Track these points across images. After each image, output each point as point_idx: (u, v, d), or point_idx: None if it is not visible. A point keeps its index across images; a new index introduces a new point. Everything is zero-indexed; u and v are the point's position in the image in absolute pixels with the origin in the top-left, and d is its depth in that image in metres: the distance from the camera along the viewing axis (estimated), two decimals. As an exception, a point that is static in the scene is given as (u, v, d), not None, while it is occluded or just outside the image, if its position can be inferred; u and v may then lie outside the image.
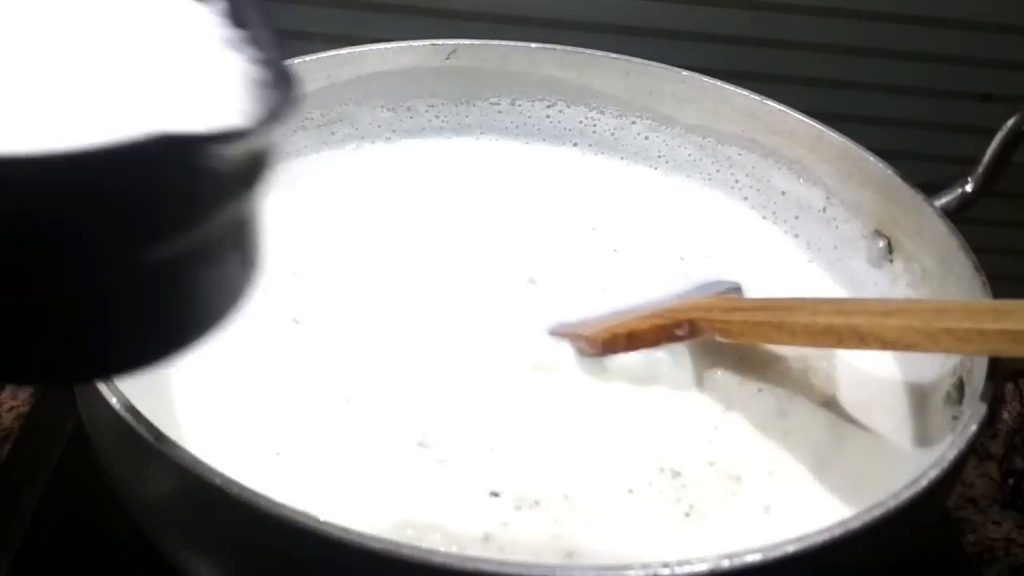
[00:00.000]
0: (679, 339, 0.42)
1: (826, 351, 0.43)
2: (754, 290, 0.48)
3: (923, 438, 0.41)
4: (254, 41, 0.25)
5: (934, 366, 0.43)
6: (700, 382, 0.42)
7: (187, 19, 0.24)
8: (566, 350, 0.42)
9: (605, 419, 0.41)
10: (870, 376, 0.44)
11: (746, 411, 0.41)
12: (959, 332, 0.35)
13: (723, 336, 0.42)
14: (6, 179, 0.18)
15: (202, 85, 0.22)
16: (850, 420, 0.42)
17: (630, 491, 0.38)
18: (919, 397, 0.43)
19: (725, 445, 0.40)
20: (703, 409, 0.42)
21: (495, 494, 0.37)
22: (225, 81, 0.23)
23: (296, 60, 0.52)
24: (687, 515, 0.37)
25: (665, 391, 0.42)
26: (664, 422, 0.41)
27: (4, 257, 0.19)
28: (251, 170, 0.22)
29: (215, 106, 0.21)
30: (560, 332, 0.43)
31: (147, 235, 0.20)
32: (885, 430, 0.42)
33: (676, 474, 0.38)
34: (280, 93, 0.22)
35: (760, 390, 0.42)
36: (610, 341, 0.41)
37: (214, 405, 0.39)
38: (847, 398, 0.43)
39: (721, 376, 0.42)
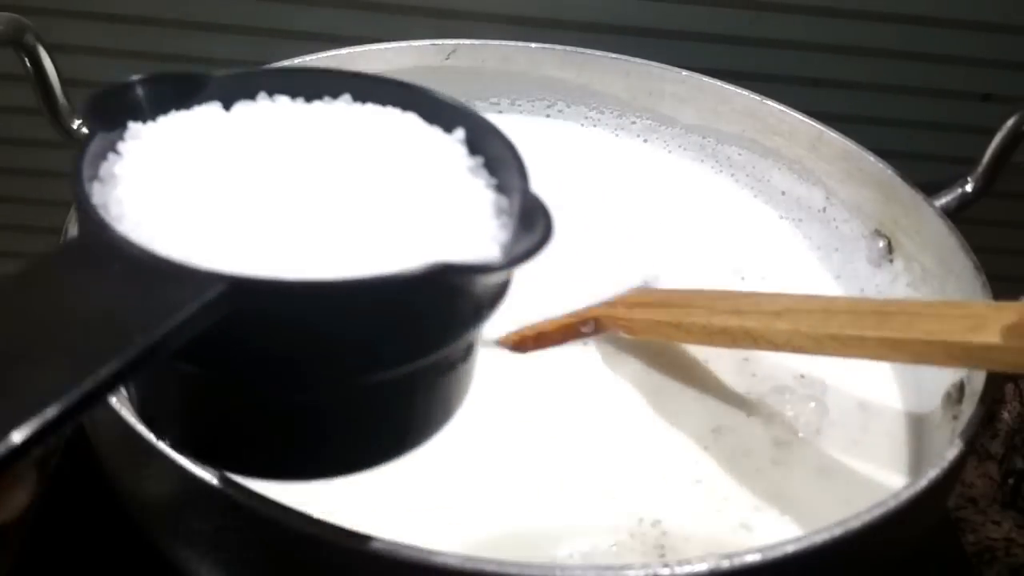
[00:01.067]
0: (585, 335, 0.44)
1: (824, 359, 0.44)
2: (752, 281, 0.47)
3: (923, 438, 0.41)
4: (498, 166, 0.26)
5: (932, 368, 0.43)
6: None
7: (436, 148, 0.26)
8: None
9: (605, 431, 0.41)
10: (869, 375, 0.44)
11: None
12: (843, 338, 0.35)
13: (626, 333, 0.43)
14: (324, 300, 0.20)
15: (458, 214, 0.24)
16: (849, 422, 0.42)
17: (614, 544, 0.36)
18: (918, 397, 0.43)
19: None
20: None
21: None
22: (477, 209, 0.24)
23: (296, 60, 0.52)
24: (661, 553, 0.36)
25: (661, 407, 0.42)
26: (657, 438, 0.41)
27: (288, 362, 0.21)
28: (496, 298, 0.24)
29: (472, 236, 0.23)
30: (500, 339, 0.44)
31: (416, 351, 0.23)
32: (884, 434, 0.42)
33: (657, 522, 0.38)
34: (531, 227, 0.23)
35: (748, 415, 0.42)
36: (519, 342, 0.43)
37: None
38: (846, 402, 0.43)
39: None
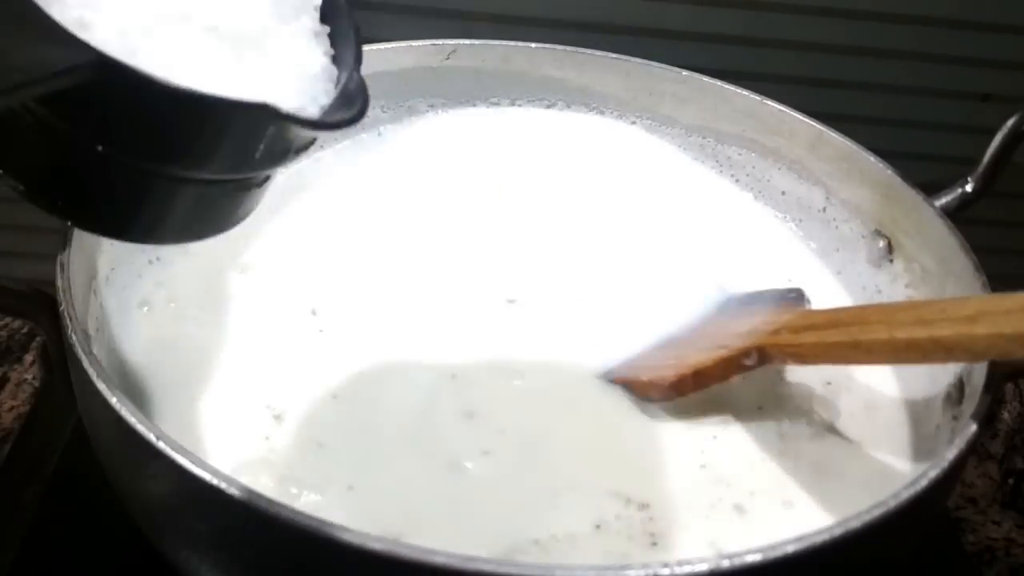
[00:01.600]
0: (748, 369, 0.39)
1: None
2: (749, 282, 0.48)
3: (923, 439, 0.41)
4: (338, 38, 0.30)
5: (933, 366, 0.43)
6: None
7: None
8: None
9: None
10: (870, 374, 0.44)
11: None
12: None
13: (796, 361, 0.39)
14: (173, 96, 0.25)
15: (295, 68, 0.28)
16: (848, 422, 0.42)
17: (596, 526, 0.37)
18: (919, 397, 0.43)
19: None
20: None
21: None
22: (311, 69, 0.29)
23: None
24: (655, 544, 0.36)
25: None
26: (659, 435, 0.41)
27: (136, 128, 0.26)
28: (299, 150, 0.29)
29: (299, 91, 0.28)
30: (618, 378, 0.41)
31: (223, 164, 0.28)
32: (884, 434, 0.42)
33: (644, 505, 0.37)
34: (351, 104, 0.28)
35: (760, 407, 0.42)
36: (677, 384, 0.39)
37: (215, 405, 0.39)
38: (846, 401, 0.43)
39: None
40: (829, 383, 0.43)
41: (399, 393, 0.41)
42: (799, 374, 0.43)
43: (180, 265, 0.45)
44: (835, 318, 0.40)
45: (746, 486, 0.39)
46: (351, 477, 0.37)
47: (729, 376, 0.39)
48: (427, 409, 0.40)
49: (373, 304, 0.45)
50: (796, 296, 0.44)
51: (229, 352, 0.42)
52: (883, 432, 0.42)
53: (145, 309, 0.43)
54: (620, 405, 0.41)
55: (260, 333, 0.43)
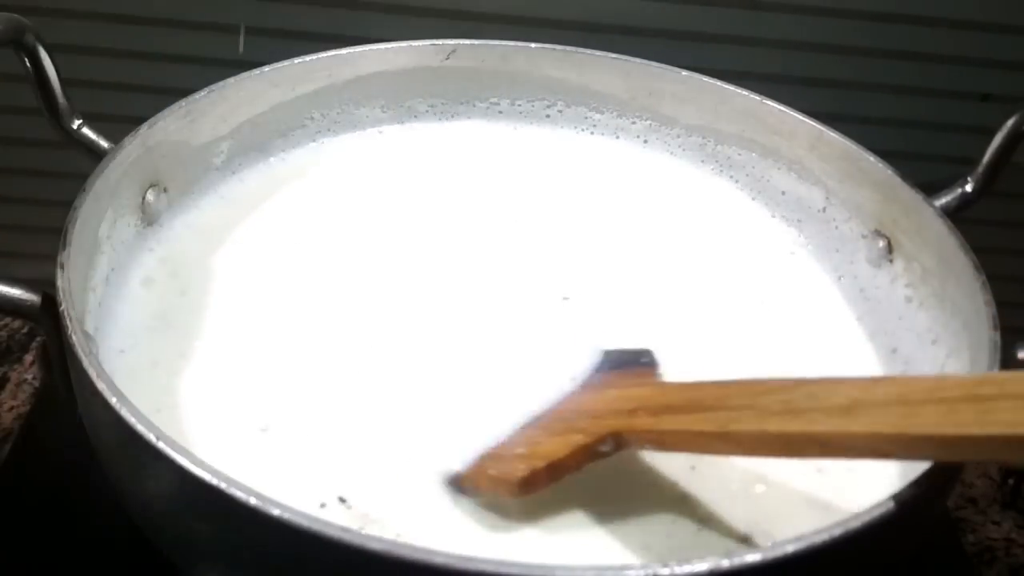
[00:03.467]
0: (605, 455, 0.35)
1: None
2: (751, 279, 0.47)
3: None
4: None
5: (933, 366, 0.43)
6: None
7: None
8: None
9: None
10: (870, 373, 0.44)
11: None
12: (943, 440, 0.28)
13: (656, 448, 0.36)
14: None
15: None
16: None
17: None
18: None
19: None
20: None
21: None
22: None
23: (296, 60, 0.52)
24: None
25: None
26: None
27: None
28: None
29: None
30: (463, 482, 0.36)
31: None
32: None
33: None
34: None
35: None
36: (529, 480, 0.34)
37: (215, 405, 0.39)
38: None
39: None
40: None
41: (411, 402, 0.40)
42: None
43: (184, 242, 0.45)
44: (695, 398, 0.35)
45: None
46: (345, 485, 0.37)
47: (584, 465, 0.35)
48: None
49: (368, 303, 0.45)
50: (648, 361, 0.40)
51: (225, 354, 0.42)
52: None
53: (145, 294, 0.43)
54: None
55: (246, 338, 0.43)
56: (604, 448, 0.35)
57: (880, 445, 0.29)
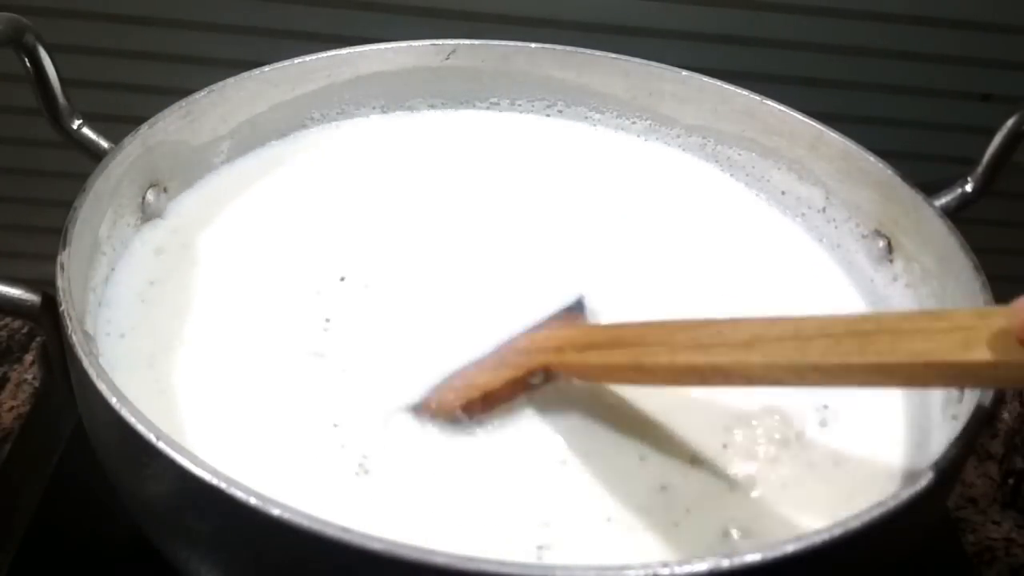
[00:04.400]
0: (535, 388, 0.40)
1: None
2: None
3: (923, 439, 0.41)
4: None
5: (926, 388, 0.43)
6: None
7: None
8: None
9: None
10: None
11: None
12: (826, 368, 0.32)
13: (581, 379, 0.40)
14: None
15: None
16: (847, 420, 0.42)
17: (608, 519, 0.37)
18: (918, 397, 0.43)
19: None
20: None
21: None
22: None
23: (296, 60, 0.52)
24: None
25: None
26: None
27: None
28: None
29: None
30: (421, 411, 0.40)
31: None
32: (883, 433, 0.42)
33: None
34: None
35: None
36: (465, 407, 0.39)
37: (216, 404, 0.39)
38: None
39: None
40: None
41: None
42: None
43: (184, 242, 0.45)
44: (617, 336, 0.40)
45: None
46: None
47: (517, 395, 0.40)
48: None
49: (362, 302, 0.45)
50: (577, 306, 0.44)
51: (226, 354, 0.42)
52: (883, 432, 0.42)
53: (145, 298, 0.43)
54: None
55: (248, 338, 0.43)
56: (534, 380, 0.40)
57: (774, 374, 0.33)
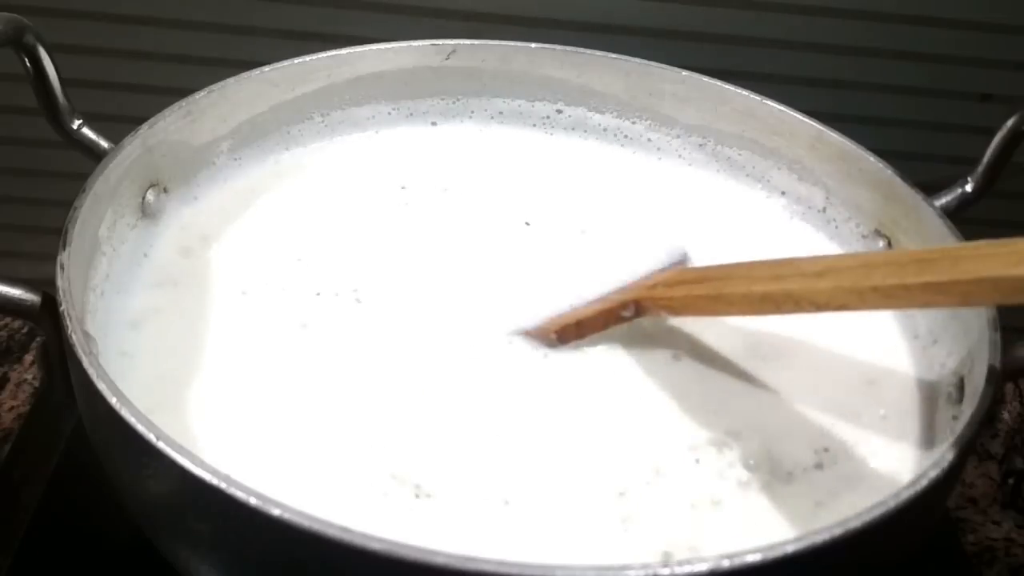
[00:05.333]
0: (627, 320, 0.44)
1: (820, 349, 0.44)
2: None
3: (924, 438, 0.41)
4: None
5: (933, 366, 0.43)
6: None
7: None
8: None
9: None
10: (876, 367, 0.44)
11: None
12: (885, 289, 0.34)
13: (668, 313, 0.44)
14: None
15: None
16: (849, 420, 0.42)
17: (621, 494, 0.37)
18: (920, 397, 0.43)
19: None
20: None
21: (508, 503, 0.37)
22: None
23: (296, 60, 0.52)
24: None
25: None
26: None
27: None
28: None
29: None
30: (529, 333, 0.44)
31: None
32: (883, 433, 0.42)
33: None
34: None
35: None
36: (562, 332, 0.43)
37: (216, 404, 0.39)
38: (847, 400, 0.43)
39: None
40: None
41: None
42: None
43: (184, 242, 0.45)
44: (704, 274, 0.44)
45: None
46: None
47: (609, 326, 0.44)
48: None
49: (358, 301, 0.45)
50: (681, 258, 0.48)
51: (227, 355, 0.42)
52: (882, 431, 0.42)
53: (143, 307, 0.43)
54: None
55: (249, 338, 0.43)
56: (626, 313, 0.44)
57: (839, 297, 0.36)
